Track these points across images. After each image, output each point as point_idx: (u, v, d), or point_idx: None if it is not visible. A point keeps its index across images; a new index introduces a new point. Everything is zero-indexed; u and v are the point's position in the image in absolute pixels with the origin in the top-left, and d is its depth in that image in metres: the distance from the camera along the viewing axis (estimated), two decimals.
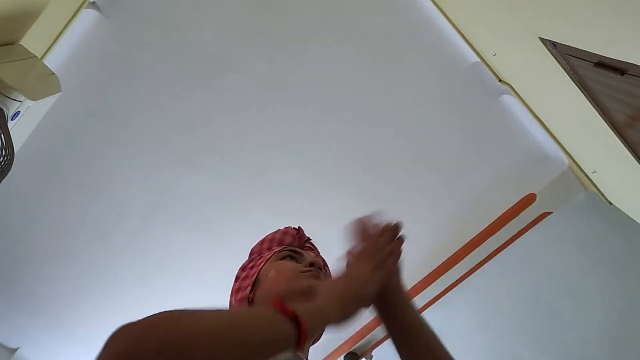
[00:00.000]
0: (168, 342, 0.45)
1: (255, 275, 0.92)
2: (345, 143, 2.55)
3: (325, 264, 1.00)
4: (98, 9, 2.24)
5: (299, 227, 1.06)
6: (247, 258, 1.02)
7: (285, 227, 1.05)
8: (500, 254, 2.60)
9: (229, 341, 0.49)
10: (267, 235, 1.04)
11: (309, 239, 1.07)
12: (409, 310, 0.78)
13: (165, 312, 0.48)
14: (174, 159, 2.55)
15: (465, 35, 2.32)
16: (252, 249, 1.04)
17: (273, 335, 0.54)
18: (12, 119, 1.48)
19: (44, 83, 1.69)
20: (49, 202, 2.60)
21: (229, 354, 0.48)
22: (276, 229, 1.05)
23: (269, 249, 0.99)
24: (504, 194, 2.52)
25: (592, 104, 1.49)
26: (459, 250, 2.58)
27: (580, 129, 2.01)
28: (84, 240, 2.67)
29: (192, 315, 0.49)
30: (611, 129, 1.51)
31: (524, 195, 2.48)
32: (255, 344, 0.52)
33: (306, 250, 1.01)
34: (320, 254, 1.05)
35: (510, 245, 2.57)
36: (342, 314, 0.66)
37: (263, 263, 0.93)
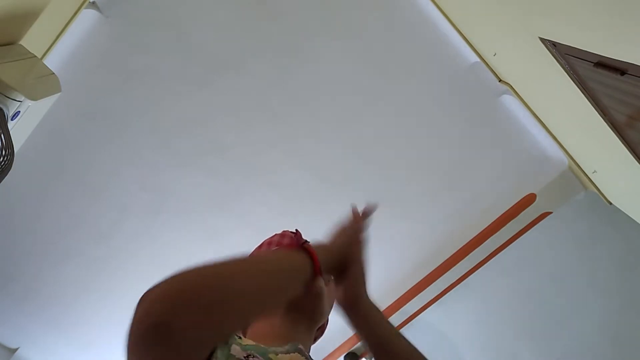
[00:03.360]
0: (206, 289, 0.50)
1: None
2: (345, 143, 2.55)
3: None
4: (98, 9, 2.24)
5: (296, 230, 1.06)
6: None
7: (283, 231, 1.04)
8: (500, 254, 2.61)
9: (260, 276, 0.57)
10: (265, 240, 1.03)
11: (306, 241, 1.06)
12: (379, 322, 0.77)
13: (187, 270, 0.52)
14: (173, 159, 2.55)
15: (465, 35, 2.32)
16: (250, 254, 1.03)
17: (294, 265, 0.63)
18: (12, 119, 1.48)
19: (44, 83, 1.69)
20: (48, 202, 2.60)
21: (262, 290, 0.57)
22: (273, 234, 1.04)
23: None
24: (504, 194, 2.52)
25: (592, 104, 1.49)
26: (459, 250, 2.59)
27: (580, 129, 2.01)
28: (84, 240, 2.67)
29: (219, 263, 0.55)
30: (611, 129, 1.51)
31: (524, 195, 2.48)
32: (282, 275, 0.61)
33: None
34: None
35: (510, 245, 2.57)
36: (333, 262, 0.75)
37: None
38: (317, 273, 0.66)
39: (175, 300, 0.49)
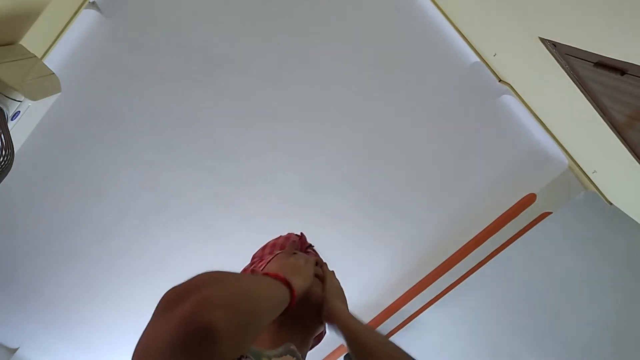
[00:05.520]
0: (222, 298, 0.52)
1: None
2: (345, 144, 2.55)
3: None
4: (98, 9, 2.24)
5: (301, 233, 1.05)
6: (249, 262, 1.02)
7: (288, 233, 1.04)
8: (500, 253, 2.60)
9: (257, 299, 0.61)
10: (270, 241, 1.03)
11: (310, 245, 1.06)
12: (358, 331, 0.77)
13: (206, 273, 0.57)
14: (174, 159, 2.55)
15: (465, 35, 2.32)
16: (254, 254, 1.03)
17: (278, 294, 0.69)
18: (12, 119, 1.48)
19: (44, 83, 1.69)
20: (49, 202, 2.60)
21: (257, 309, 0.60)
22: (278, 235, 1.04)
23: (271, 253, 0.99)
24: (504, 193, 2.52)
25: (592, 104, 1.49)
26: (459, 250, 2.58)
27: (580, 129, 2.01)
28: (84, 241, 2.67)
29: (231, 275, 0.60)
30: (611, 129, 1.51)
31: (524, 195, 2.48)
32: (271, 300, 0.66)
33: (311, 256, 1.00)
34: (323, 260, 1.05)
35: (510, 245, 2.57)
36: (303, 286, 0.80)
37: (265, 265, 0.93)
38: (292, 303, 0.72)
39: (228, 309, 0.51)
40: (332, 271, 0.95)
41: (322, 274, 0.90)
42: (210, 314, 0.49)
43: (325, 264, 0.98)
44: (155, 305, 0.53)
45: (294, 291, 0.72)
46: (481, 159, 2.56)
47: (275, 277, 0.72)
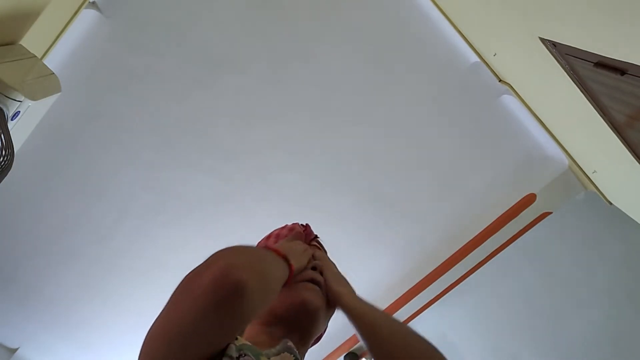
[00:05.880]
0: (243, 262, 0.62)
1: None
2: (345, 144, 2.55)
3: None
4: (98, 9, 2.24)
5: (306, 224, 1.04)
6: None
7: (293, 224, 1.02)
8: (500, 254, 2.61)
9: (269, 266, 0.71)
10: (274, 230, 1.01)
11: (316, 236, 1.05)
12: (365, 312, 0.78)
13: (219, 250, 0.65)
14: (174, 159, 2.55)
15: (465, 35, 2.32)
16: (258, 242, 1.03)
17: (282, 267, 0.75)
18: (12, 119, 1.48)
19: (44, 83, 1.69)
20: (49, 202, 2.60)
21: (270, 275, 0.69)
22: (283, 225, 1.03)
23: (275, 244, 0.98)
24: (504, 194, 2.52)
25: (592, 104, 1.49)
26: (459, 250, 2.59)
27: (580, 129, 2.01)
28: (84, 241, 2.67)
29: (243, 246, 0.71)
30: (611, 129, 1.51)
31: (524, 195, 2.48)
32: (278, 269, 0.74)
33: (312, 248, 0.99)
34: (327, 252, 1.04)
35: (510, 245, 2.57)
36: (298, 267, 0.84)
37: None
38: (289, 280, 0.76)
39: (250, 270, 0.60)
40: (333, 262, 0.95)
41: (320, 266, 0.90)
42: (238, 272, 0.57)
43: (327, 254, 0.98)
44: (171, 292, 0.61)
45: (292, 267, 0.77)
46: (481, 159, 2.56)
47: (276, 252, 0.77)
